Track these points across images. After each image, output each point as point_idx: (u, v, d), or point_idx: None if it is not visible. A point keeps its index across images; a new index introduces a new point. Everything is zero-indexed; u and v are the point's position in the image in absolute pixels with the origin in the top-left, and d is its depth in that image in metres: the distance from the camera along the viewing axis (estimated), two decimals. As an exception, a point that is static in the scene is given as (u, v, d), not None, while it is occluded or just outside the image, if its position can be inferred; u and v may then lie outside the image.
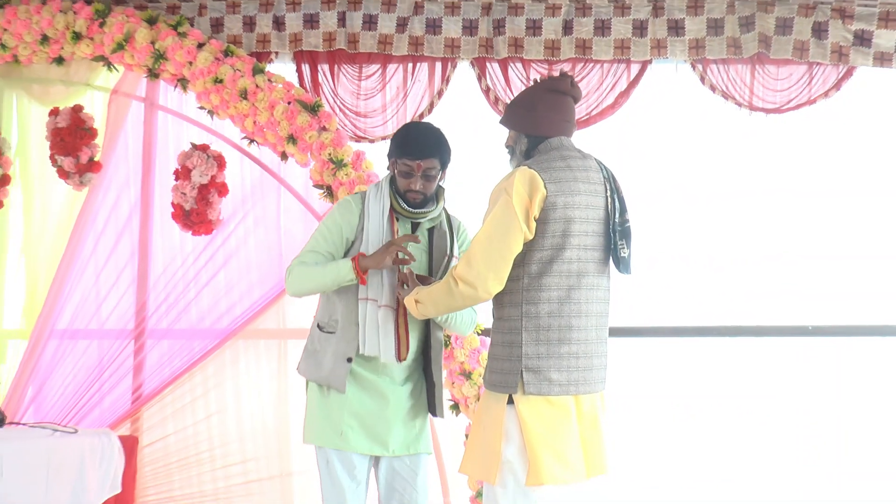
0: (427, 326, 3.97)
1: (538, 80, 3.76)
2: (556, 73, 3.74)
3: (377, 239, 3.86)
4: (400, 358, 3.89)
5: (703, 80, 5.32)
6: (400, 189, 3.90)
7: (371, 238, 3.86)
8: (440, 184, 3.95)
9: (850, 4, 5.09)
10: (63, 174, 5.58)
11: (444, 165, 3.91)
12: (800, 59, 5.16)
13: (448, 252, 3.97)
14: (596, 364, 3.57)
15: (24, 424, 5.38)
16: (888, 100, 5.46)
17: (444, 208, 4.01)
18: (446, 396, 5.09)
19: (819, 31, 5.12)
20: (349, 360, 3.88)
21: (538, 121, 3.59)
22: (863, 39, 5.11)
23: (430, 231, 3.97)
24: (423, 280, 3.80)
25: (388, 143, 4.04)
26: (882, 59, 5.12)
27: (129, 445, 5.43)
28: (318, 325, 3.98)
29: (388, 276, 3.87)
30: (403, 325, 3.88)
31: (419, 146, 3.87)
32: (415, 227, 3.95)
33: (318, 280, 3.85)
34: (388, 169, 3.98)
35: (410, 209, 3.89)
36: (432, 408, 4.04)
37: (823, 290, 5.53)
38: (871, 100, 5.44)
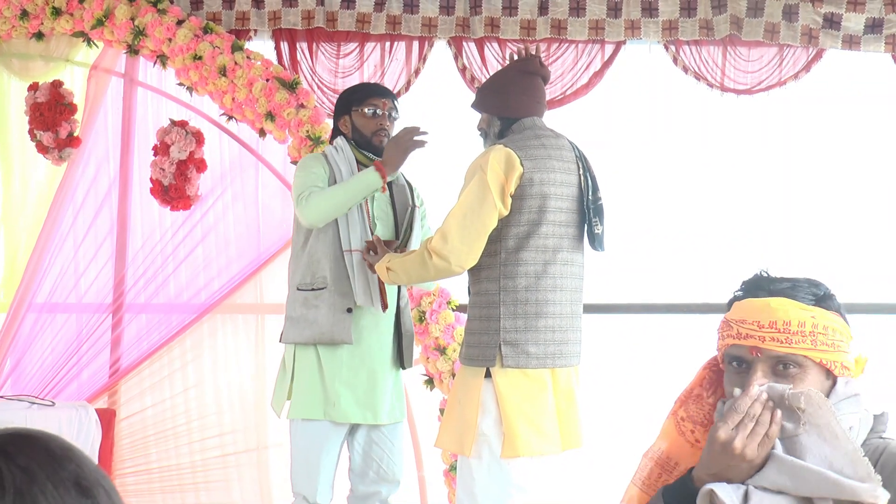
0: None
1: (509, 62, 3.78)
2: (523, 54, 3.74)
3: None
4: (385, 306, 3.94)
5: (675, 60, 5.35)
6: (367, 134, 4.00)
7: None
8: None
9: (821, -13, 5.14)
10: (42, 149, 5.55)
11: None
12: (770, 41, 5.19)
13: (411, 202, 4.05)
14: (571, 338, 3.61)
15: (1, 397, 5.36)
16: (856, 82, 5.51)
17: None
18: (420, 371, 5.12)
19: (789, 13, 5.16)
20: (349, 310, 3.89)
21: (510, 102, 3.64)
22: (832, 22, 5.15)
23: (390, 185, 4.03)
24: (388, 245, 3.83)
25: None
26: (851, 41, 5.16)
27: (107, 418, 5.41)
28: (300, 288, 3.95)
29: (362, 226, 3.92)
30: (379, 284, 3.93)
31: (381, 88, 4.18)
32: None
33: (344, 196, 3.80)
34: (340, 128, 4.06)
35: (377, 156, 3.94)
36: (401, 360, 4.09)
37: (793, 268, 5.58)
38: (840, 82, 5.51)
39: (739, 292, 2.18)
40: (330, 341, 3.89)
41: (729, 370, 2.13)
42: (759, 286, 2.15)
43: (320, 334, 3.89)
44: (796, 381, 2.02)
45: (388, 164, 3.82)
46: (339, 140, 4.03)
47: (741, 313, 2.10)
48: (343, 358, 3.92)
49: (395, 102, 4.09)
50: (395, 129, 4.06)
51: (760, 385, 2.00)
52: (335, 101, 4.17)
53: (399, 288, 4.07)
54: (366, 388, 3.95)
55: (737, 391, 2.01)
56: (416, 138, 3.83)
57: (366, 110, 3.99)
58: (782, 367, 2.03)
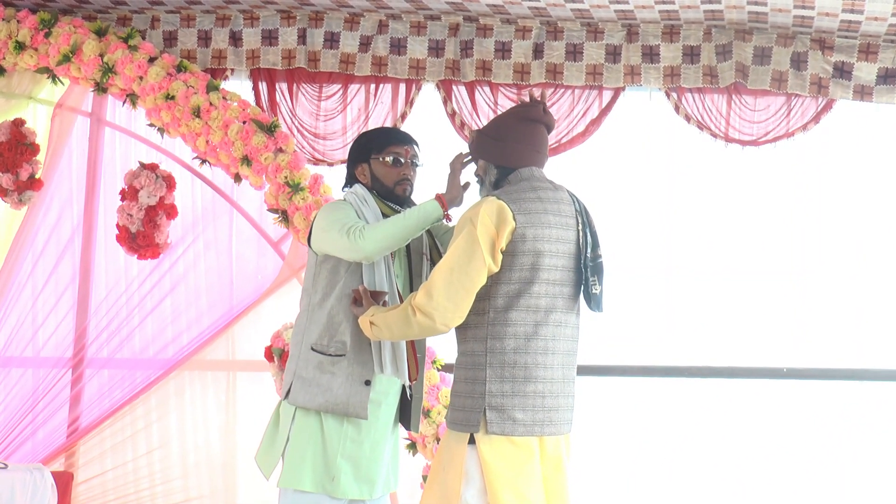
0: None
1: (512, 107, 3.78)
2: (527, 99, 3.75)
3: None
4: (412, 378, 3.92)
5: (677, 109, 5.36)
6: (388, 184, 3.93)
7: None
8: None
9: (830, 35, 5.16)
10: (1, 191, 5.53)
11: None
12: (778, 90, 5.22)
13: (423, 251, 4.02)
14: (562, 405, 3.56)
15: (-51, 458, 5.33)
16: (869, 134, 5.55)
17: None
18: (402, 435, 5.10)
19: (798, 61, 5.19)
20: (367, 382, 3.84)
21: (508, 151, 3.59)
22: (843, 72, 5.17)
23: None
24: (376, 296, 3.80)
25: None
26: (863, 92, 5.16)
27: (64, 482, 5.38)
28: (315, 349, 3.88)
29: (389, 284, 3.87)
30: (411, 344, 3.92)
31: (402, 134, 4.10)
32: None
33: (404, 226, 3.70)
34: (358, 177, 3.99)
35: (401, 207, 3.91)
36: (407, 423, 4.05)
37: (800, 329, 5.59)
38: (852, 134, 5.53)
39: None
40: (343, 413, 3.83)
41: None
42: None
43: (334, 405, 3.83)
44: None
45: (450, 193, 3.75)
46: (360, 189, 3.96)
47: None
48: (348, 431, 3.88)
49: (417, 149, 4.04)
50: (418, 178, 4.02)
51: None
52: (350, 148, 4.06)
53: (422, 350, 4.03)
54: (367, 462, 3.91)
55: None
56: (464, 161, 3.80)
57: (387, 159, 3.94)
58: None
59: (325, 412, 3.85)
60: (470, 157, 3.78)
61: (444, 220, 3.79)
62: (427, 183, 4.03)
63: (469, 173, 3.79)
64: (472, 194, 3.76)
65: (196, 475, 5.55)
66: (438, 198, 3.74)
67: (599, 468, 5.55)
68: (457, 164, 3.82)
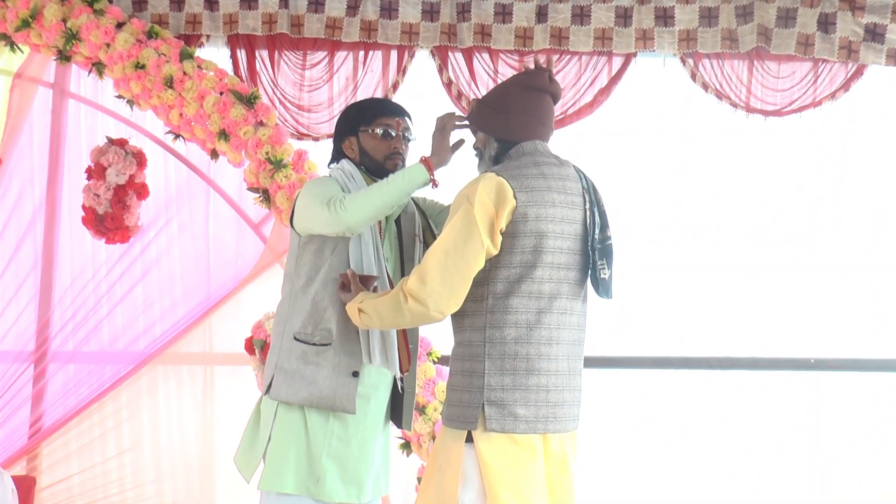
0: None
1: (514, 76, 3.77)
2: (531, 66, 3.74)
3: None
4: (404, 369, 3.93)
5: (694, 76, 5.38)
6: (378, 159, 3.94)
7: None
8: None
9: (861, -6, 5.19)
10: (-45, 170, 5.54)
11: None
12: (803, 55, 5.24)
13: (416, 232, 4.04)
14: (568, 399, 3.55)
15: None
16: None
17: None
18: (395, 433, 5.12)
19: (826, 23, 5.20)
20: (355, 374, 3.85)
21: (510, 123, 3.59)
22: (875, 34, 5.19)
23: (398, 220, 4.03)
24: (366, 281, 3.79)
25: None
26: (896, 57, 5.22)
27: (25, 487, 5.35)
28: (298, 338, 3.89)
29: (378, 269, 3.87)
30: (403, 332, 3.92)
31: (394, 105, 4.08)
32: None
33: (385, 195, 3.69)
34: (345, 151, 4.00)
35: None
36: (398, 419, 4.06)
37: (829, 316, 5.61)
38: (884, 102, 5.54)
39: None
40: (329, 407, 3.83)
41: None
42: None
43: (319, 398, 3.83)
44: None
45: (436, 154, 3.74)
46: (347, 164, 3.98)
47: None
48: (334, 428, 3.88)
49: (410, 121, 4.04)
50: (411, 152, 4.03)
51: None
52: (337, 120, 4.09)
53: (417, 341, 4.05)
54: (355, 462, 3.91)
55: None
56: (457, 123, 3.78)
57: (377, 131, 3.95)
58: None
59: (310, 407, 3.85)
60: (466, 123, 3.76)
61: (431, 185, 3.76)
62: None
63: (467, 144, 3.78)
64: (468, 164, 3.75)
65: (171, 479, 5.57)
66: (424, 160, 3.72)
67: (609, 469, 5.58)
68: (446, 121, 3.80)
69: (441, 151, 3.74)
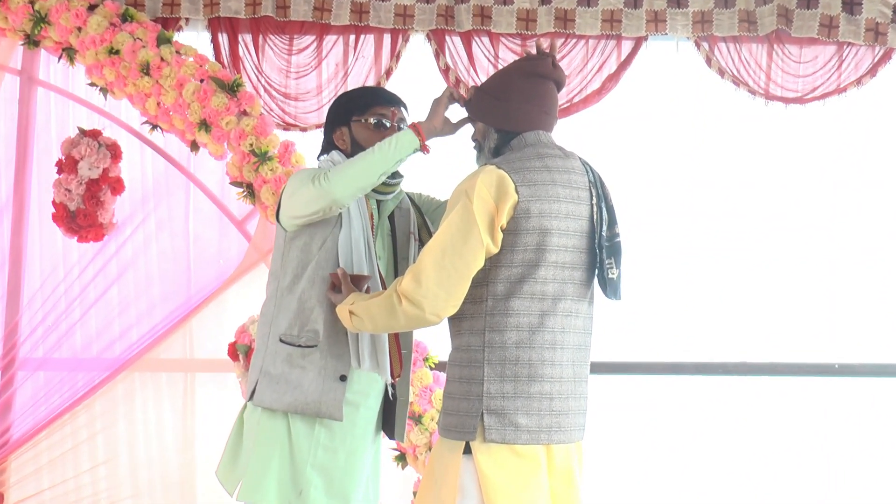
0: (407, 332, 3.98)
1: (516, 61, 3.74)
2: (533, 51, 3.71)
3: (359, 220, 3.88)
4: (395, 375, 3.91)
5: (709, 61, 5.39)
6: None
7: (353, 220, 3.87)
8: None
9: (889, -27, 5.17)
10: (-85, 163, 5.53)
11: None
12: (827, 37, 5.22)
13: (410, 230, 4.04)
14: (573, 408, 3.54)
15: None
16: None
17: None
18: (391, 444, 5.09)
19: (851, 4, 5.20)
20: (342, 378, 3.83)
21: (511, 113, 3.57)
22: (904, 15, 5.18)
23: (391, 215, 4.03)
24: (358, 281, 3.77)
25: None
26: (927, 39, 5.19)
27: (-8, 504, 5.37)
28: (284, 340, 3.87)
29: (370, 266, 3.88)
30: (394, 335, 3.90)
31: (388, 94, 4.09)
32: (379, 205, 3.98)
33: (372, 163, 3.70)
34: (336, 142, 3.99)
35: (387, 178, 3.88)
36: (390, 430, 4.05)
37: (852, 316, 5.58)
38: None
39: None
40: (315, 414, 3.81)
41: None
42: None
43: (304, 403, 3.81)
44: None
45: (428, 119, 3.74)
46: (338, 156, 3.96)
47: None
48: (320, 436, 3.86)
49: (405, 111, 4.04)
50: None
51: None
52: (328, 110, 4.11)
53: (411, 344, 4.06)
54: (341, 474, 3.89)
55: None
56: (454, 94, 3.78)
57: (370, 121, 3.96)
58: None
59: (294, 413, 3.83)
60: (466, 105, 3.73)
61: (422, 151, 3.75)
62: (416, 156, 3.97)
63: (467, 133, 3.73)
64: (466, 157, 3.70)
65: (149, 493, 5.59)
66: (414, 126, 3.73)
67: (619, 482, 5.59)
68: (447, 92, 3.81)
69: (434, 117, 3.76)
